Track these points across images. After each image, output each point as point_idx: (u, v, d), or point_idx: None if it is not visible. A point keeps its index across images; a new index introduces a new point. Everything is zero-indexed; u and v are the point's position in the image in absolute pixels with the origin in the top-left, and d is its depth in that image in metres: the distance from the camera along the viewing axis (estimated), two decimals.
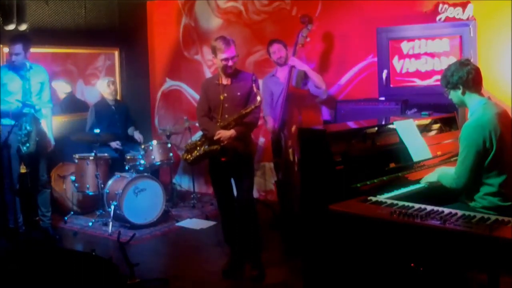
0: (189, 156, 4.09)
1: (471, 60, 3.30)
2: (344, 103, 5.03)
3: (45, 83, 5.04)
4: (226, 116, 3.94)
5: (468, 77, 3.04)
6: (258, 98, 3.84)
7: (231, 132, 3.90)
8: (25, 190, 4.82)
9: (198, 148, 4.06)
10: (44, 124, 5.00)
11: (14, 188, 4.80)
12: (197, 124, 4.01)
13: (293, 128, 4.63)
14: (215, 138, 3.90)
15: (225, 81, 3.99)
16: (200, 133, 4.28)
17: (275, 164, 5.00)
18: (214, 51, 3.93)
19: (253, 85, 3.86)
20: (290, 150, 4.54)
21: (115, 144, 5.84)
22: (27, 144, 4.61)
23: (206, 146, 4.00)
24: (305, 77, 4.82)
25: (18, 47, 4.77)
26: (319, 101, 4.84)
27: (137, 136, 6.10)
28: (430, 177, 3.27)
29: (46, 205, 5.09)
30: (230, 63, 3.90)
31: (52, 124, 5.17)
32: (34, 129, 4.66)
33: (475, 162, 2.96)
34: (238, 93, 3.96)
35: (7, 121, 4.72)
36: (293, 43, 4.89)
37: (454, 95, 3.14)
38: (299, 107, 4.67)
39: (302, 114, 4.58)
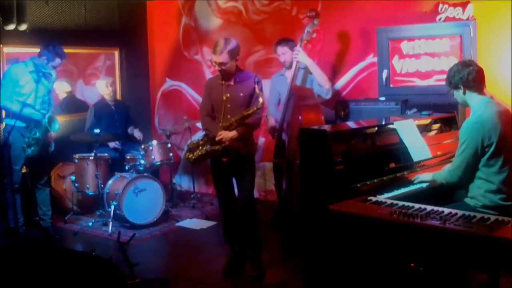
0: (191, 155, 4.09)
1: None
2: (344, 103, 5.02)
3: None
4: (229, 116, 3.92)
5: (468, 77, 3.09)
6: (260, 100, 3.82)
7: (233, 134, 3.89)
8: (25, 189, 4.86)
9: (200, 147, 4.06)
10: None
11: (14, 187, 4.81)
12: (197, 124, 4.00)
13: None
14: (217, 139, 3.89)
15: (228, 81, 3.99)
16: (201, 133, 4.27)
17: (275, 165, 4.92)
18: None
19: (256, 86, 3.84)
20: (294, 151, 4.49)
21: (113, 144, 5.85)
22: (32, 148, 4.66)
23: (208, 146, 4.00)
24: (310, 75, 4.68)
25: (59, 61, 4.83)
26: (321, 101, 4.72)
27: (137, 134, 6.10)
28: (424, 176, 3.30)
29: (46, 203, 5.09)
30: (217, 67, 3.88)
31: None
32: (43, 138, 4.71)
33: (472, 157, 3.01)
34: (241, 94, 3.95)
35: (8, 121, 4.73)
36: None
37: (457, 95, 3.21)
38: (299, 107, 4.59)
39: (302, 114, 4.49)
